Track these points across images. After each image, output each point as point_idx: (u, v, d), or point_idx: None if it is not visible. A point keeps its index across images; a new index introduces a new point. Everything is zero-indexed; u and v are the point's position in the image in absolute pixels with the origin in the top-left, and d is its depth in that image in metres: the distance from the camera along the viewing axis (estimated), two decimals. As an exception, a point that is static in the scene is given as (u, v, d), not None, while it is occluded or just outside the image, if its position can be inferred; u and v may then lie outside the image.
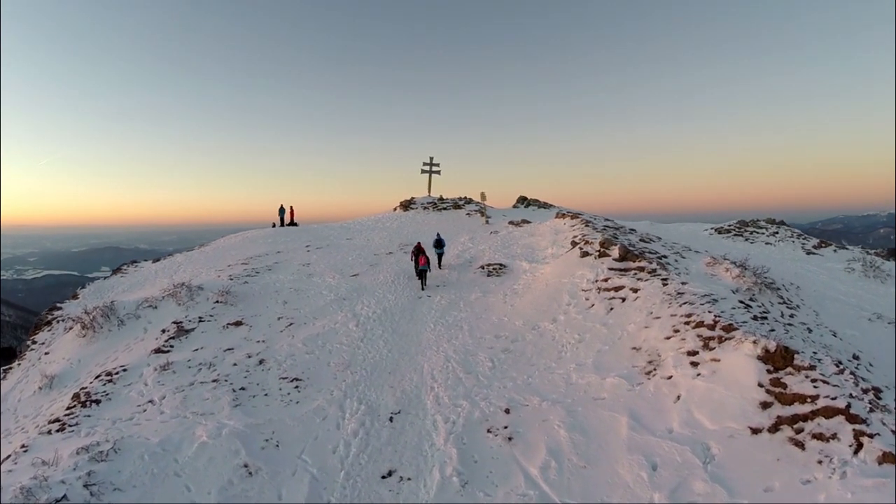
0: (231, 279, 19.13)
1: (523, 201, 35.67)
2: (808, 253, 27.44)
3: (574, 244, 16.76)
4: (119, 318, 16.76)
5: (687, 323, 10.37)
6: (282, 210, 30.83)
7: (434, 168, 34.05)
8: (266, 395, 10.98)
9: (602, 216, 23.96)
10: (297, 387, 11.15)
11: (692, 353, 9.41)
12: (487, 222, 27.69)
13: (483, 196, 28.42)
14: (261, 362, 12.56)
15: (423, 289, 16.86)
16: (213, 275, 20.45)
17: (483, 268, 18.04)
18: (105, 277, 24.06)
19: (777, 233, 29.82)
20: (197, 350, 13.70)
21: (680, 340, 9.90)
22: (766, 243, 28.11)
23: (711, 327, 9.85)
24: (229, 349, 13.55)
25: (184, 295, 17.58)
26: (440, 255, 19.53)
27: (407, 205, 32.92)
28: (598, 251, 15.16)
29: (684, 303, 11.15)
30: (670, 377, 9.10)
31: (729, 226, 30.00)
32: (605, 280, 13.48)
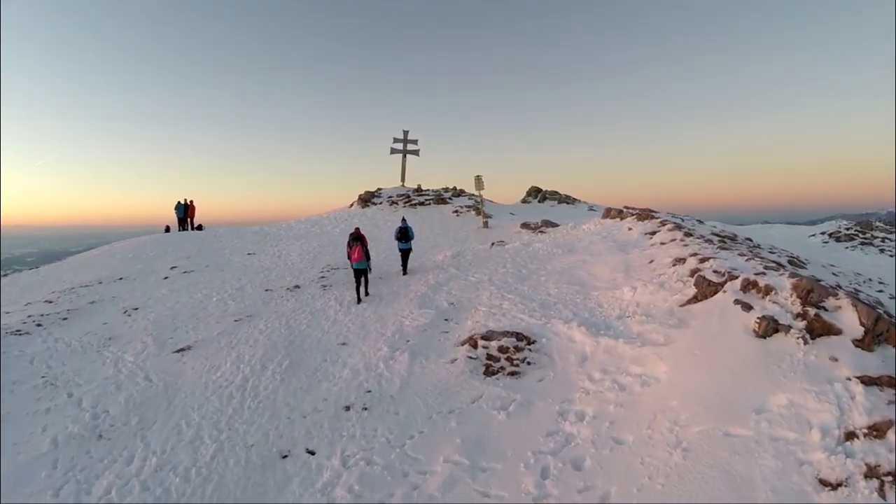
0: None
1: (536, 194, 25.86)
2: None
3: (708, 285, 6.49)
4: None
5: None
6: (179, 207, 20.58)
7: (409, 147, 23.99)
8: None
9: (691, 216, 14.05)
10: None
11: None
12: (486, 225, 17.85)
13: (479, 182, 18.14)
14: None
15: (359, 301, 10.32)
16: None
17: (474, 343, 7.29)
18: None
19: (919, 240, 20.19)
20: None
21: None
22: (918, 257, 18.43)
23: None
24: None
25: None
26: (405, 253, 12.22)
27: (367, 199, 22.75)
28: (800, 315, 5.13)
29: None
30: None
31: (849, 231, 20.30)
32: (875, 432, 3.60)
